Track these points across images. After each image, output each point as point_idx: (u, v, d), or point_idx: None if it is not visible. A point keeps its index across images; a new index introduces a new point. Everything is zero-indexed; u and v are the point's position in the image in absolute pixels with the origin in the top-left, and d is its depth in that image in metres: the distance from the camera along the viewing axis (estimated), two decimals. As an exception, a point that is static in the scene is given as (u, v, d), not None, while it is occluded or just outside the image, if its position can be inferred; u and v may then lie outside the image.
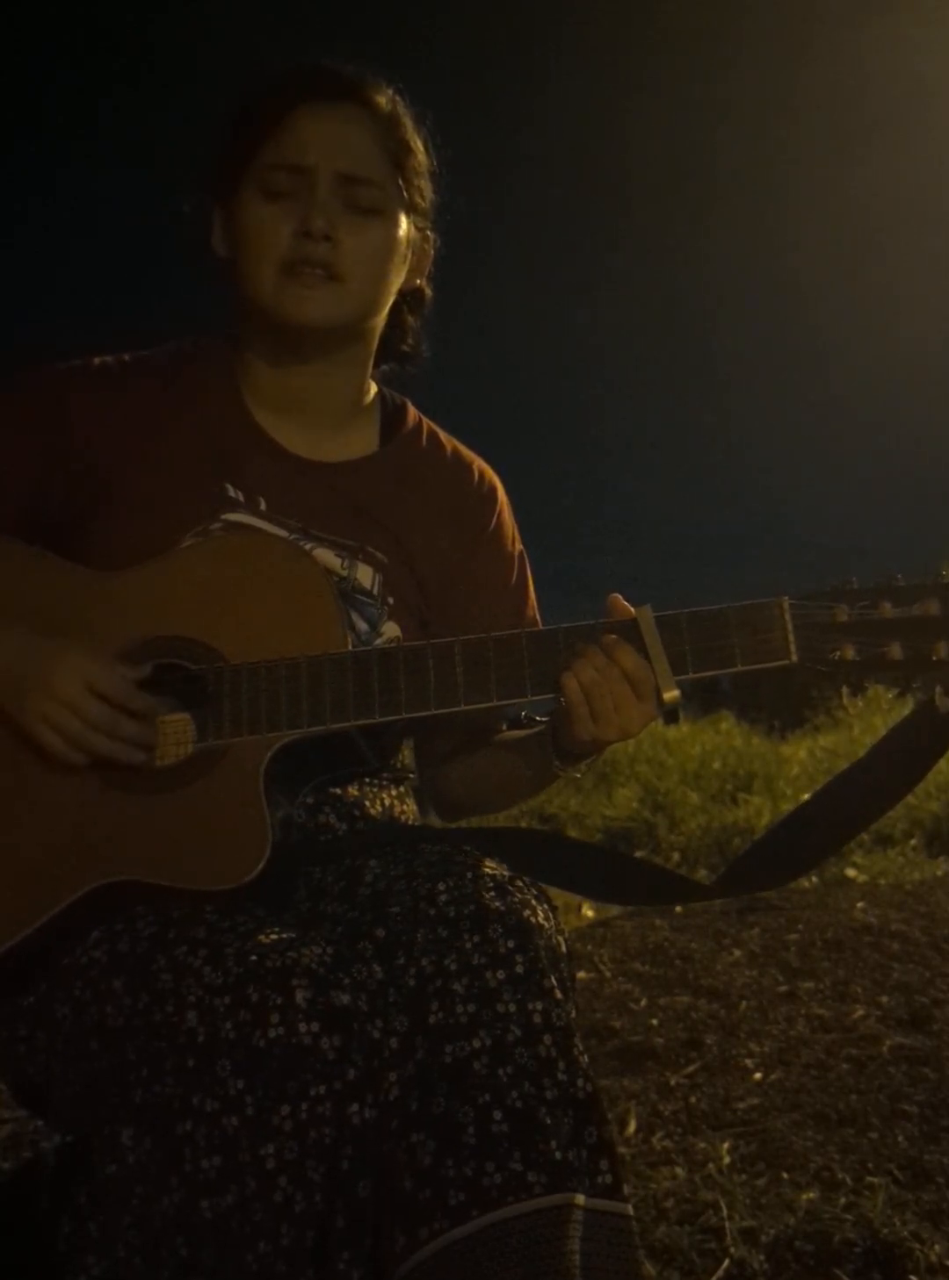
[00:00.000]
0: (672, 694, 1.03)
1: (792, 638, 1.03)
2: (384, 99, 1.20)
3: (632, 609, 1.06)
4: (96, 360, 1.23)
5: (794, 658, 1.03)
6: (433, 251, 1.27)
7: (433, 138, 1.24)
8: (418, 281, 1.27)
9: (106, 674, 1.02)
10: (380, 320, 1.24)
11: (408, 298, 1.27)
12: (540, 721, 1.14)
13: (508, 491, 1.36)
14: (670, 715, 1.12)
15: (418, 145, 1.22)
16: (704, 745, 6.55)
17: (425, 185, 1.23)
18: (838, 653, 1.03)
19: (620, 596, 1.07)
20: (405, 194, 1.20)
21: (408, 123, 1.21)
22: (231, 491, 1.18)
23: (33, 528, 1.16)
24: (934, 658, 1.01)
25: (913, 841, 4.84)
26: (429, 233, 1.26)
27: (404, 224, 1.21)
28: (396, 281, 1.23)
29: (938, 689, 1.04)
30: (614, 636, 1.04)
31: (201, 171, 1.24)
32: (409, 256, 1.23)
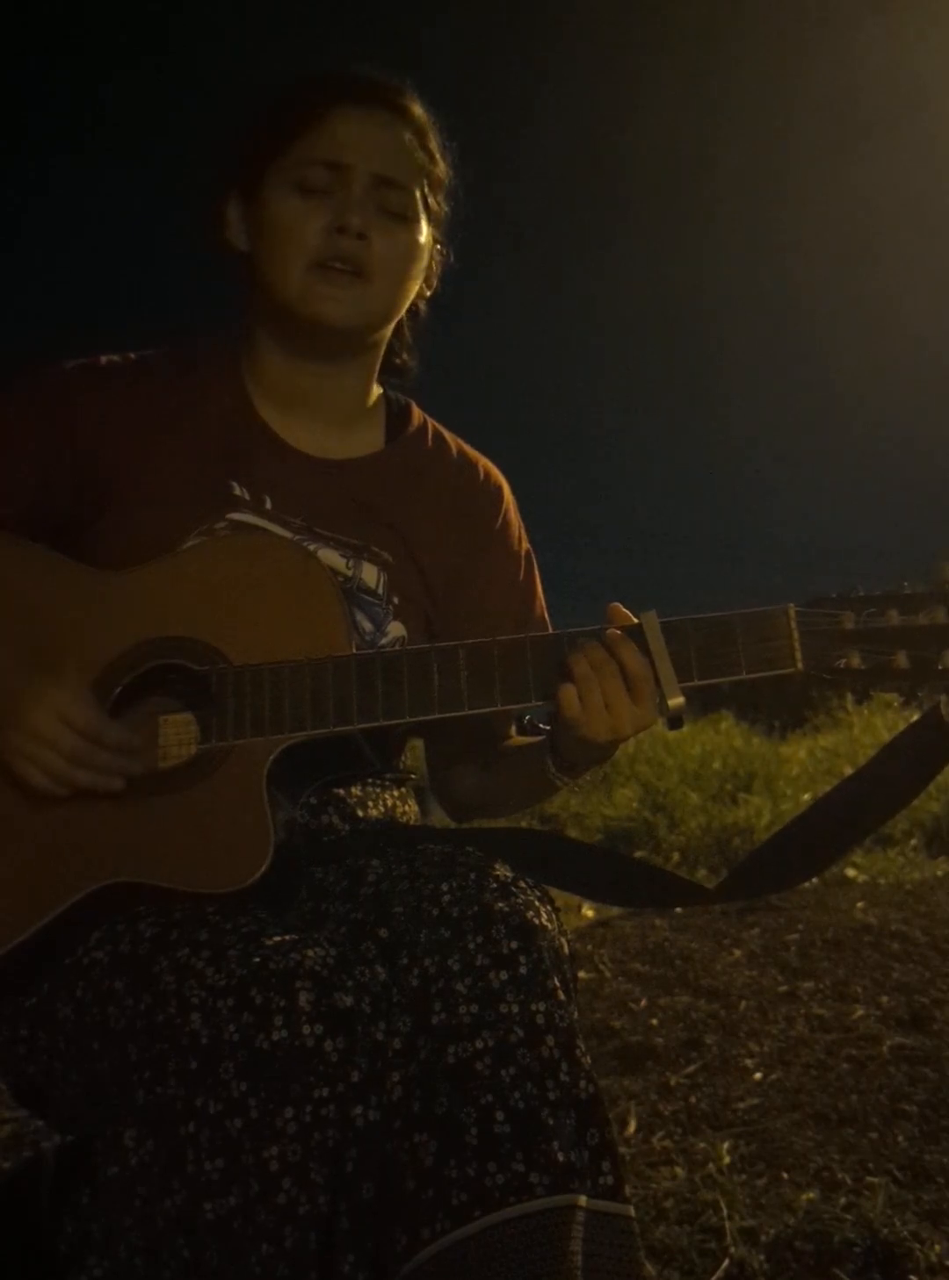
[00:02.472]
0: (677, 701, 1.03)
1: (797, 646, 1.03)
2: (418, 109, 1.21)
3: (633, 617, 1.06)
4: (103, 359, 1.23)
5: (800, 666, 1.03)
6: (441, 267, 1.28)
7: (453, 153, 1.25)
8: (427, 294, 1.28)
9: (79, 707, 1.02)
10: (392, 327, 1.25)
11: (409, 312, 1.28)
12: (542, 730, 1.14)
13: (511, 488, 1.36)
14: (675, 721, 1.11)
15: (442, 158, 1.23)
16: (704, 745, 6.55)
17: (444, 198, 1.24)
18: (844, 661, 1.02)
19: (621, 605, 1.07)
20: (428, 204, 1.21)
21: (435, 135, 1.22)
22: (237, 490, 1.18)
23: (38, 526, 1.16)
24: (940, 667, 1.01)
25: (913, 841, 4.85)
26: (442, 246, 1.27)
27: (426, 232, 1.22)
28: (414, 289, 1.24)
29: (944, 698, 1.04)
30: (619, 633, 1.04)
31: (220, 163, 1.24)
32: (426, 266, 1.24)
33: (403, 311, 1.24)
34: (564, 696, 1.03)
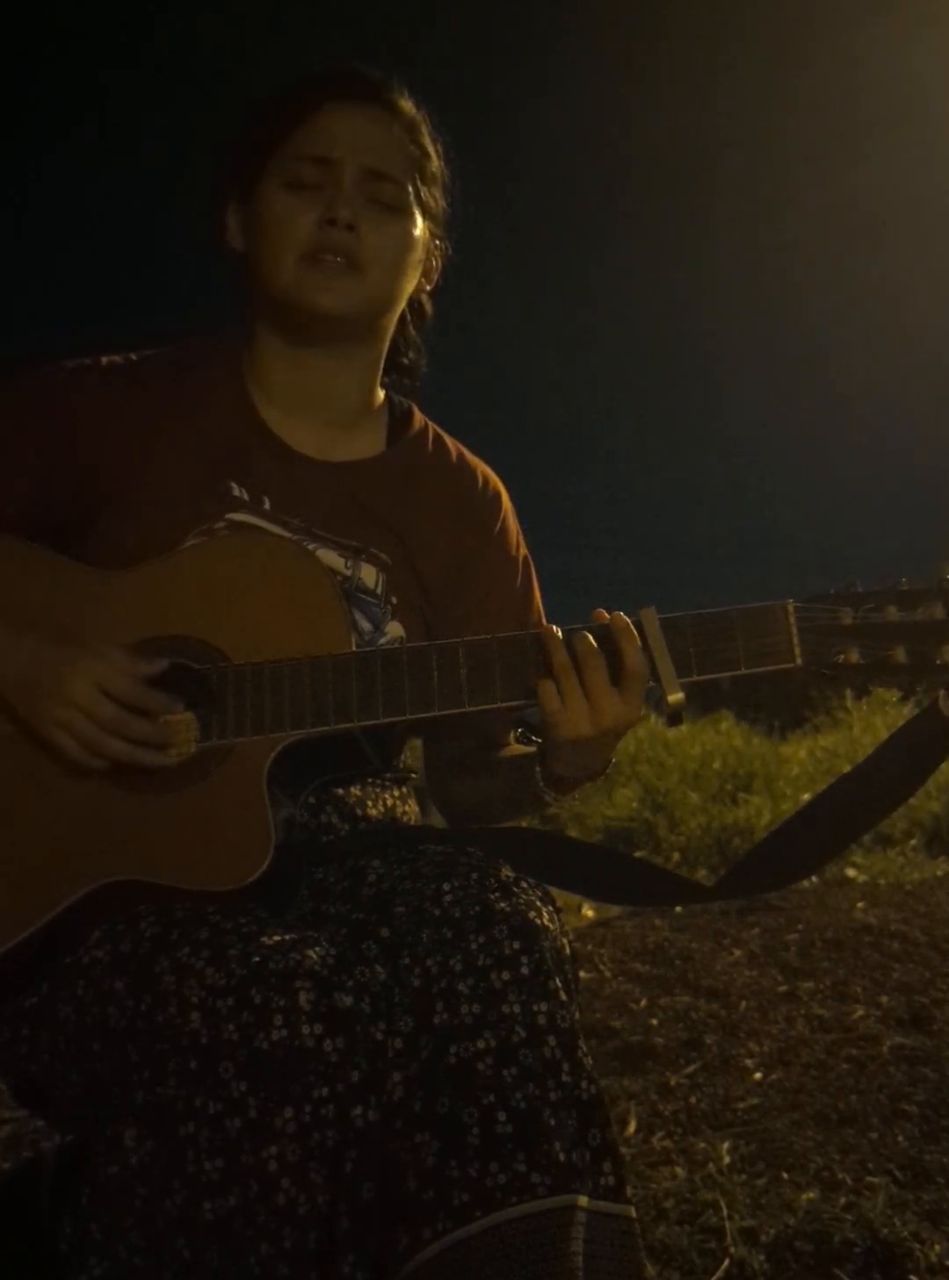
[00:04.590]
0: (676, 696, 1.03)
1: (796, 641, 1.03)
2: (408, 104, 1.22)
3: (625, 618, 1.05)
4: (104, 359, 1.23)
5: (798, 661, 1.03)
6: (441, 261, 1.28)
7: (446, 148, 1.25)
8: (427, 288, 1.28)
9: (117, 676, 1.02)
10: (393, 320, 1.25)
11: (412, 308, 1.28)
12: (535, 742, 1.13)
13: (510, 493, 1.36)
14: (674, 718, 1.10)
15: (435, 152, 1.23)
16: (704, 745, 6.54)
17: (439, 192, 1.25)
18: (842, 656, 1.03)
19: (604, 611, 1.06)
20: (422, 197, 1.21)
21: (427, 129, 1.23)
22: (236, 490, 1.18)
23: (37, 526, 1.16)
24: (938, 662, 1.01)
25: (913, 841, 4.85)
26: (440, 241, 1.27)
27: (421, 225, 1.22)
28: (412, 282, 1.24)
29: (942, 693, 1.04)
30: (612, 624, 1.03)
31: (219, 164, 1.25)
32: (423, 258, 1.24)
33: (401, 304, 1.24)
34: (543, 689, 1.02)
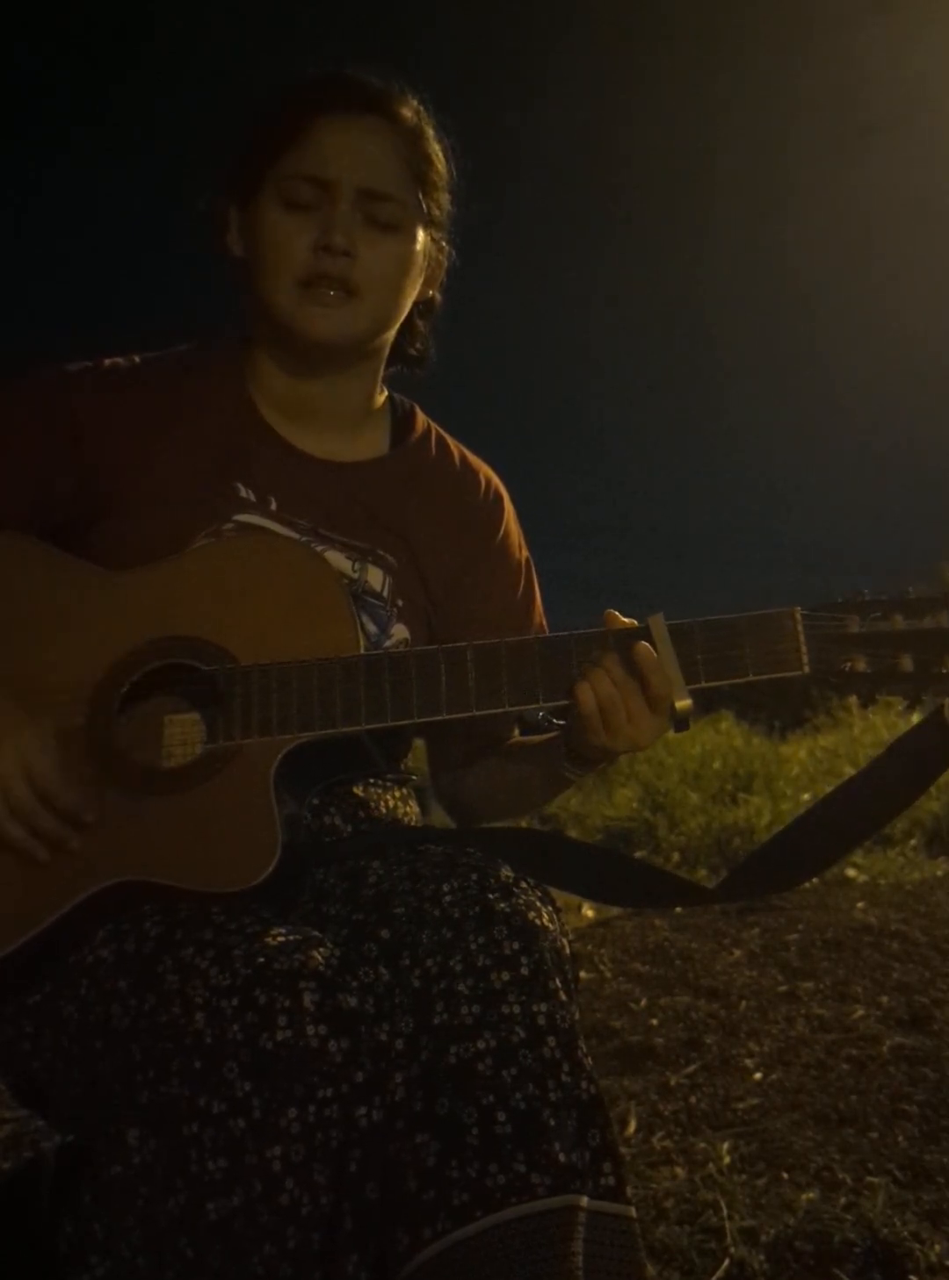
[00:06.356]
0: (684, 703, 1.04)
1: (804, 648, 1.03)
2: (408, 111, 1.20)
3: (631, 623, 1.06)
4: (107, 361, 1.23)
5: (806, 668, 1.03)
6: (446, 262, 1.27)
7: (451, 149, 1.23)
8: (430, 291, 1.27)
9: (44, 765, 1.01)
10: (395, 332, 1.25)
11: (419, 304, 1.27)
12: (558, 725, 1.14)
13: (511, 493, 1.36)
14: (681, 724, 1.11)
15: (438, 157, 1.22)
16: (704, 745, 6.52)
17: (443, 197, 1.23)
18: (849, 664, 1.03)
19: (616, 612, 1.07)
20: (424, 207, 1.20)
21: (430, 134, 1.21)
22: (243, 491, 1.18)
23: (43, 527, 1.16)
24: (943, 670, 1.02)
25: (913, 841, 4.84)
26: (444, 244, 1.26)
27: (421, 238, 1.21)
28: (412, 295, 1.23)
29: (947, 701, 1.04)
30: (645, 646, 1.04)
31: (219, 169, 1.24)
32: (425, 268, 1.24)
33: (402, 318, 1.24)
34: (589, 721, 1.04)
